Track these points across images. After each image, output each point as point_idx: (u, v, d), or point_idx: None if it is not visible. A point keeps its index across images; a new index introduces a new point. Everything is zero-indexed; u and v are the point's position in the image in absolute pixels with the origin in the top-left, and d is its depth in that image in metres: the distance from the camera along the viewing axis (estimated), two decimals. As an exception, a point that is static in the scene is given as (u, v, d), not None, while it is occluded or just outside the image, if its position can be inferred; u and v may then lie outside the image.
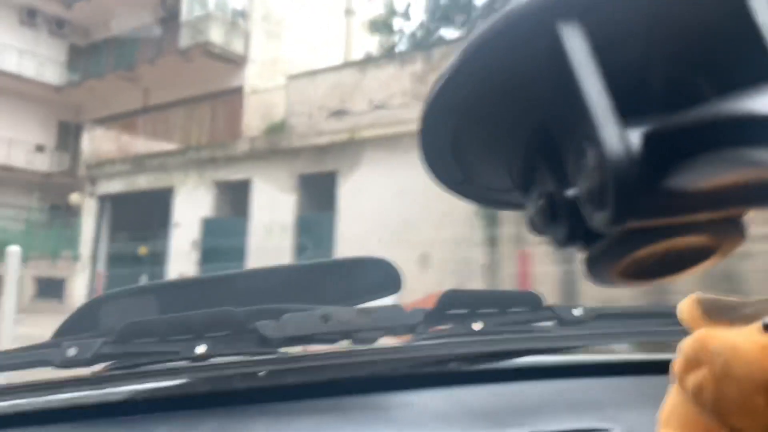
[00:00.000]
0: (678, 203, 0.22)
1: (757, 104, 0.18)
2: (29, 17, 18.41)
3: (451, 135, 0.29)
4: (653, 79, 0.26)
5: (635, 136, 0.22)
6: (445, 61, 0.27)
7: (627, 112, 0.23)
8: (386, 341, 0.75)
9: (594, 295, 4.98)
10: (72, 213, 16.06)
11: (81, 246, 14.59)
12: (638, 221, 0.23)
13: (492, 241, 8.32)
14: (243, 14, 14.15)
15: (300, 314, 0.70)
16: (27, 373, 0.67)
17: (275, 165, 11.21)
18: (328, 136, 10.44)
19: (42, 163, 19.35)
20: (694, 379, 0.35)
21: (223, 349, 0.67)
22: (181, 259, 12.17)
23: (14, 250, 4.22)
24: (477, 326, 0.74)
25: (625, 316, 0.87)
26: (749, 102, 0.19)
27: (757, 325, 0.35)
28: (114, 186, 14.31)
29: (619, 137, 0.22)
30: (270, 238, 10.88)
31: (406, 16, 13.64)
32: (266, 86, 12.76)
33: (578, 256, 0.27)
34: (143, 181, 13.68)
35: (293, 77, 11.56)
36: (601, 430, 0.61)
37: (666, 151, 0.21)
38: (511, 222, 7.91)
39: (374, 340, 0.72)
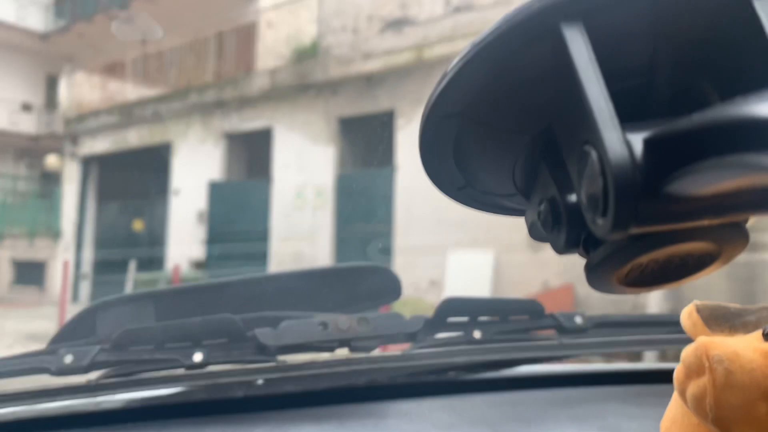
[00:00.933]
0: (680, 209, 0.22)
1: (761, 109, 0.18)
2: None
3: (452, 139, 0.28)
4: (657, 83, 0.26)
5: (638, 141, 0.22)
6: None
7: (630, 116, 0.23)
8: (385, 349, 0.74)
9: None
10: (53, 180, 13.40)
11: (62, 221, 12.01)
12: (640, 227, 0.22)
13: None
14: None
15: (298, 322, 0.70)
16: (23, 381, 0.67)
17: (305, 106, 8.26)
18: (382, 60, 7.43)
19: (28, 125, 16.51)
20: (695, 387, 0.35)
21: (220, 357, 0.67)
22: (184, 237, 9.39)
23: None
24: (477, 335, 0.74)
25: (627, 325, 0.85)
26: (753, 107, 0.18)
27: (758, 333, 0.35)
28: (100, 144, 11.57)
29: (621, 142, 0.22)
30: (301, 206, 8.12)
31: None
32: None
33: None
34: (134, 137, 10.94)
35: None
36: None
37: (668, 157, 0.21)
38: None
39: (373, 348, 0.71)
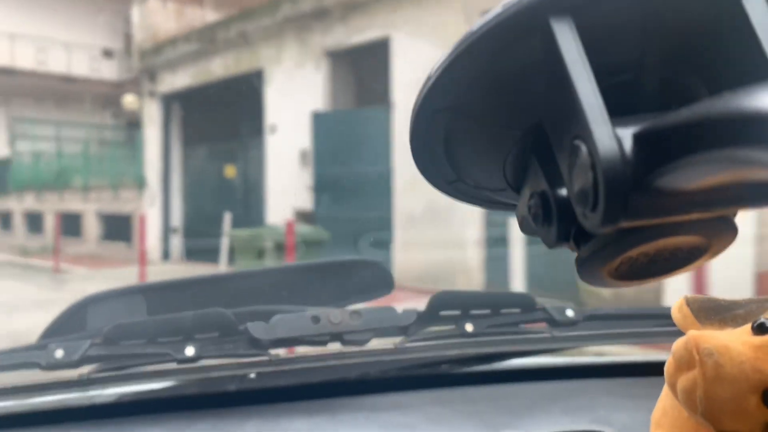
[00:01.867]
0: (670, 203, 0.22)
1: (749, 104, 0.18)
2: None
3: (443, 133, 0.29)
4: (646, 77, 0.26)
5: (627, 136, 0.22)
6: None
7: (619, 110, 0.23)
8: (377, 343, 0.74)
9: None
10: (136, 126, 12.09)
11: (146, 170, 10.65)
12: (630, 221, 0.23)
13: None
14: None
15: (290, 315, 0.70)
16: (13, 376, 0.67)
17: (436, 2, 6.21)
18: None
19: (110, 71, 15.54)
20: (685, 380, 0.35)
21: (212, 351, 0.67)
22: (286, 183, 7.72)
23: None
24: (469, 328, 0.74)
25: (618, 317, 0.87)
26: (741, 101, 0.19)
27: (747, 327, 0.35)
28: (180, 79, 9.92)
29: (611, 137, 0.22)
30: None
31: None
32: None
33: None
34: (219, 66, 9.17)
35: None
36: (593, 431, 0.61)
37: (657, 151, 0.21)
38: None
39: (365, 341, 0.71)
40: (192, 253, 9.41)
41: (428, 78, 0.26)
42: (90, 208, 11.92)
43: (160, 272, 7.65)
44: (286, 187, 7.74)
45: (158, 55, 10.18)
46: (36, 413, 0.63)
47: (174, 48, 9.91)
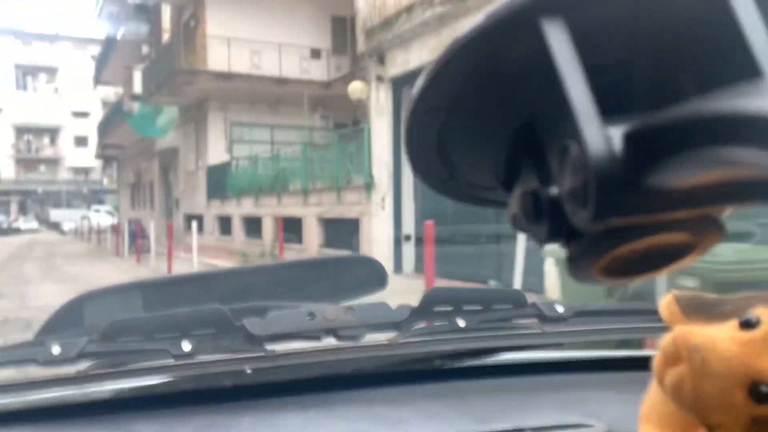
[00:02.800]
0: (659, 201, 0.23)
1: (737, 103, 0.19)
2: None
3: (436, 133, 0.29)
4: (636, 76, 0.26)
5: (617, 135, 0.23)
6: None
7: (610, 109, 0.23)
8: (372, 338, 0.75)
9: None
10: (357, 119, 11.40)
11: (373, 167, 9.31)
12: (620, 219, 0.23)
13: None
14: None
15: (286, 311, 0.70)
16: (11, 372, 0.68)
17: None
18: None
19: (320, 72, 15.18)
20: (672, 375, 0.36)
21: (209, 347, 0.67)
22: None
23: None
24: (461, 323, 0.75)
25: (607, 313, 0.88)
26: (729, 101, 0.19)
27: (734, 323, 0.36)
28: (415, 56, 8.24)
29: (601, 136, 0.22)
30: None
31: None
32: None
33: None
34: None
35: None
36: (583, 425, 0.62)
37: (647, 150, 0.22)
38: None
39: (360, 337, 0.72)
40: (441, 266, 6.57)
41: (422, 78, 0.27)
42: (310, 212, 11.21)
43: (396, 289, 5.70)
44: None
45: (387, 30, 8.64)
46: (33, 409, 0.63)
47: (409, 17, 8.21)
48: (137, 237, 13.41)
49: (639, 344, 0.87)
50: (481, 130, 0.29)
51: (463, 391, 0.71)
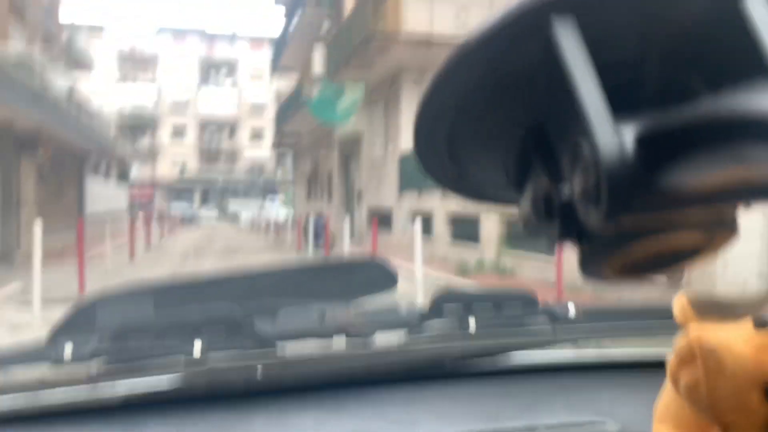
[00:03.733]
0: (671, 200, 0.23)
1: (749, 102, 0.19)
2: None
3: (446, 132, 0.29)
4: (647, 76, 0.26)
5: (629, 135, 0.22)
6: None
7: (621, 108, 0.23)
8: (382, 338, 0.75)
9: None
10: None
11: None
12: (631, 218, 0.23)
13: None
14: None
15: (297, 311, 0.71)
16: (23, 371, 0.68)
17: None
18: None
19: None
20: (687, 376, 0.35)
21: (220, 346, 0.68)
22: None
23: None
24: (472, 323, 0.75)
25: (618, 313, 0.88)
26: (740, 100, 0.19)
27: (749, 322, 0.35)
28: None
29: (612, 136, 0.22)
30: None
31: None
32: None
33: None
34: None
35: None
36: (596, 422, 0.62)
37: (658, 149, 0.22)
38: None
39: (371, 337, 0.73)
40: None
41: (433, 78, 0.26)
42: (439, 206, 10.47)
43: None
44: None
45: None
46: (46, 409, 0.63)
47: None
48: (326, 234, 12.09)
49: (651, 344, 0.83)
50: (492, 128, 0.28)
51: (475, 391, 0.71)
